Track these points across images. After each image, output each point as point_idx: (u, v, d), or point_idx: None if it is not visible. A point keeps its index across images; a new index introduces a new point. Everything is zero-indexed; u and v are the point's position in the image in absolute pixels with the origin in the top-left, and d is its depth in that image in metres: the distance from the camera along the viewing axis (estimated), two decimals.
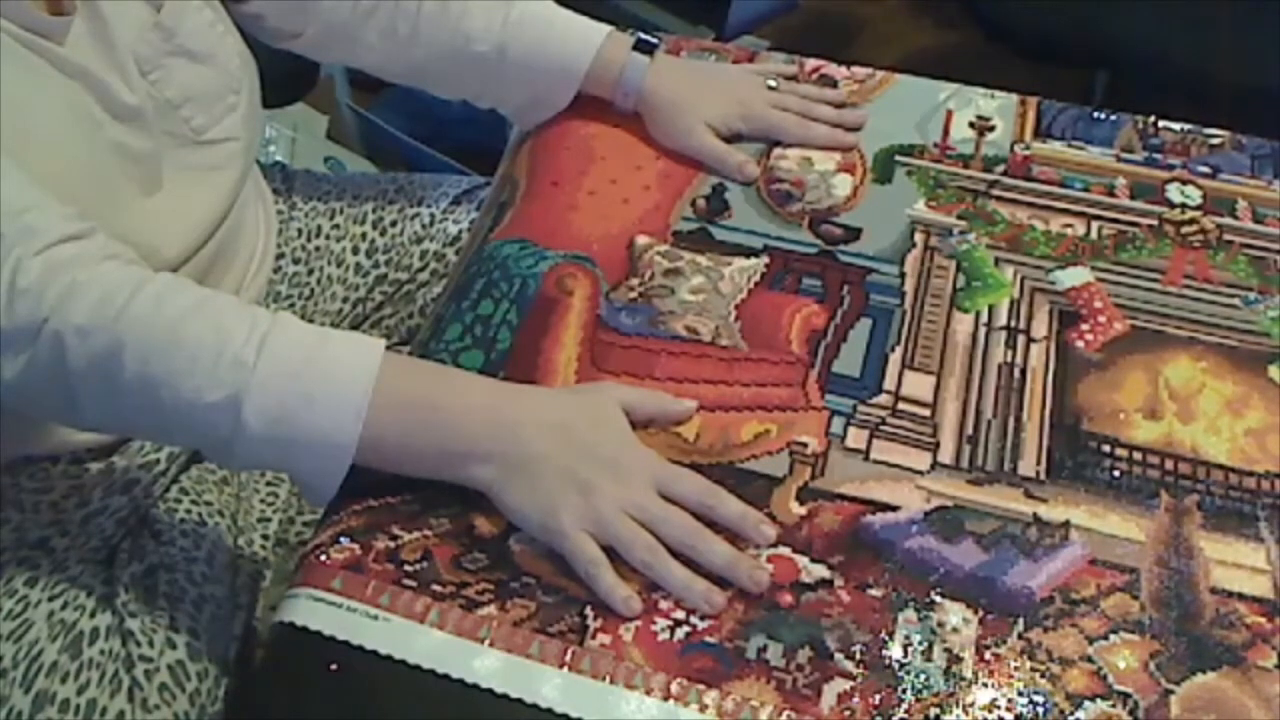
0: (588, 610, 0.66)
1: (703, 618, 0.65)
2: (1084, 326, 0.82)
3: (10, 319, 0.63)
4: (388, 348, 0.68)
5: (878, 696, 0.63)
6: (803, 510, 0.71)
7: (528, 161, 0.94)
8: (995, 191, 0.92)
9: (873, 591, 0.67)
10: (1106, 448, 0.75)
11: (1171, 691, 0.64)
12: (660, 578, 0.66)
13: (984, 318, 0.83)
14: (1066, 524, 0.71)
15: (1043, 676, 0.64)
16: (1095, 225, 0.90)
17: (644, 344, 0.80)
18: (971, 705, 0.63)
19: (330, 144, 1.79)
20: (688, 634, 0.65)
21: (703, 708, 0.62)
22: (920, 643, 0.65)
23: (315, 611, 0.65)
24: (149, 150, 0.78)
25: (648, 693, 0.62)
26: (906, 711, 0.62)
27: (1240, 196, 0.92)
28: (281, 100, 1.78)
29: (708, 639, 0.65)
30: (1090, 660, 0.65)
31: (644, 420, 0.73)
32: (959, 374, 0.79)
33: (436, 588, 0.66)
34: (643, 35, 0.95)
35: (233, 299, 0.68)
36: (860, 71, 1.03)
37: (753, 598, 0.66)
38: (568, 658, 0.64)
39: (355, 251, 1.04)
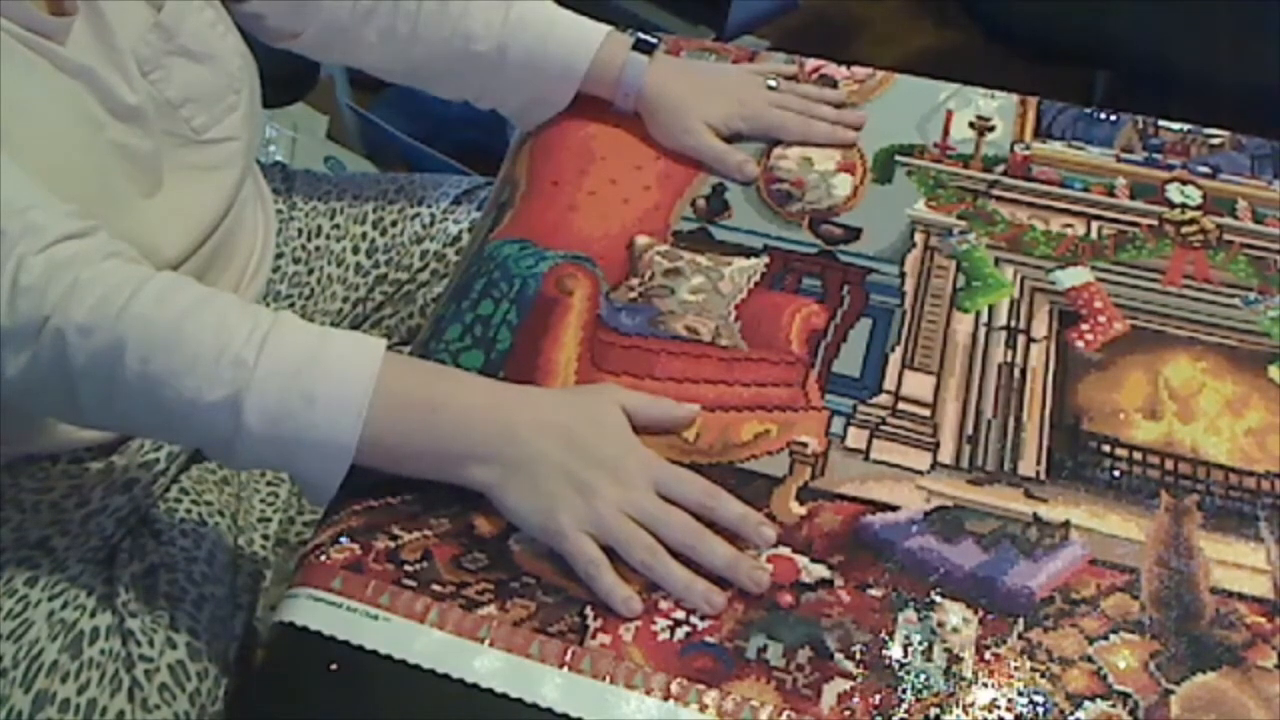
0: (588, 610, 0.66)
1: (703, 618, 0.66)
2: (1084, 326, 0.82)
3: (12, 317, 0.63)
4: (388, 348, 0.68)
5: (878, 696, 0.63)
6: (803, 510, 0.71)
7: (528, 162, 0.94)
8: (995, 191, 0.92)
9: (873, 591, 0.67)
10: (1106, 448, 0.75)
11: (1171, 691, 0.64)
12: (660, 578, 0.66)
13: (984, 318, 0.83)
14: (1066, 524, 0.71)
15: (1043, 676, 0.64)
16: (1095, 225, 0.90)
17: (644, 344, 0.80)
18: (971, 705, 0.63)
19: (330, 144, 1.80)
20: (688, 634, 0.65)
21: (703, 708, 0.62)
22: (920, 643, 0.65)
23: (315, 611, 0.66)
24: (149, 150, 0.78)
25: (648, 693, 0.62)
26: (906, 711, 0.62)
27: (1240, 196, 0.92)
28: (281, 100, 1.78)
29: (708, 639, 0.65)
30: (1090, 660, 0.65)
31: (646, 425, 0.73)
32: (959, 374, 0.79)
33: (436, 588, 0.66)
34: (642, 35, 0.95)
35: (234, 298, 0.68)
36: (860, 71, 1.03)
37: (753, 598, 0.66)
38: (568, 658, 0.64)
39: (355, 251, 1.04)
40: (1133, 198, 0.92)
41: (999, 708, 0.63)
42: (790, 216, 0.90)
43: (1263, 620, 0.67)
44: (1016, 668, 0.64)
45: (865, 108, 0.99)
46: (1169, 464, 0.74)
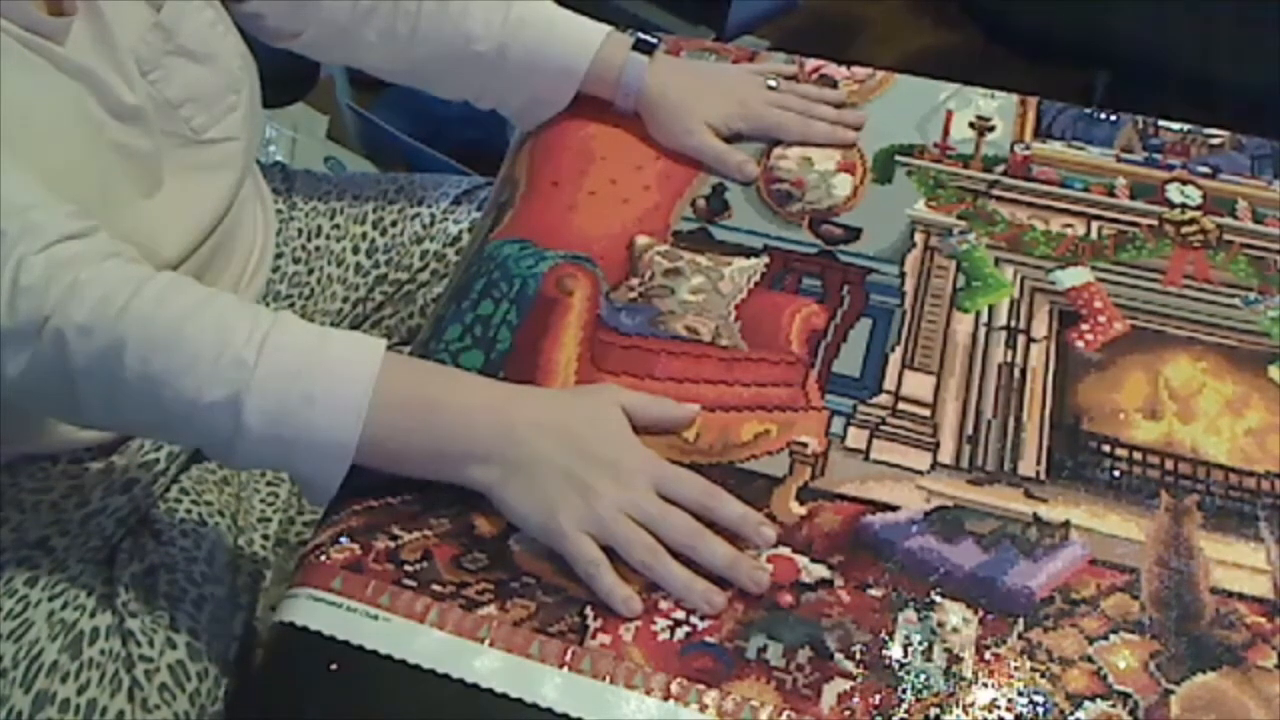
0: (588, 610, 0.66)
1: (703, 618, 0.65)
2: (1084, 326, 0.82)
3: (12, 317, 0.63)
4: (388, 348, 0.68)
5: (878, 696, 0.63)
6: (803, 510, 0.71)
7: (528, 162, 0.94)
8: (995, 191, 0.92)
9: (873, 591, 0.67)
10: (1106, 448, 0.75)
11: (1171, 691, 0.64)
12: (660, 578, 0.66)
13: (984, 318, 0.83)
14: (1066, 524, 0.71)
15: (1043, 676, 0.64)
16: (1095, 225, 0.90)
17: (644, 344, 0.80)
18: (971, 705, 0.63)
19: (330, 144, 1.80)
20: (688, 634, 0.65)
21: (703, 708, 0.62)
22: (920, 643, 0.65)
23: (315, 611, 0.65)
24: (149, 150, 0.78)
25: (648, 693, 0.62)
26: (906, 711, 0.62)
27: (1240, 196, 0.92)
28: (281, 100, 1.78)
29: (708, 639, 0.65)
30: (1090, 660, 0.65)
31: (646, 425, 0.73)
32: (959, 374, 0.79)
33: (436, 588, 0.66)
34: (642, 35, 0.95)
35: (234, 298, 0.68)
36: (860, 71, 1.03)
37: (753, 598, 0.66)
38: (568, 658, 0.64)
39: (355, 251, 1.04)
40: (1133, 198, 0.92)
41: (999, 708, 0.63)
42: (790, 216, 0.90)
43: (1263, 620, 0.67)
44: (1016, 668, 0.64)
45: (865, 108, 0.99)
46: (1169, 464, 0.74)
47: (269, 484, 0.94)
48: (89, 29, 0.74)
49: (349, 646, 0.64)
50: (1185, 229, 0.89)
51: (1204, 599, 0.68)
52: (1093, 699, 0.63)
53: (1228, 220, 0.90)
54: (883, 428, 0.76)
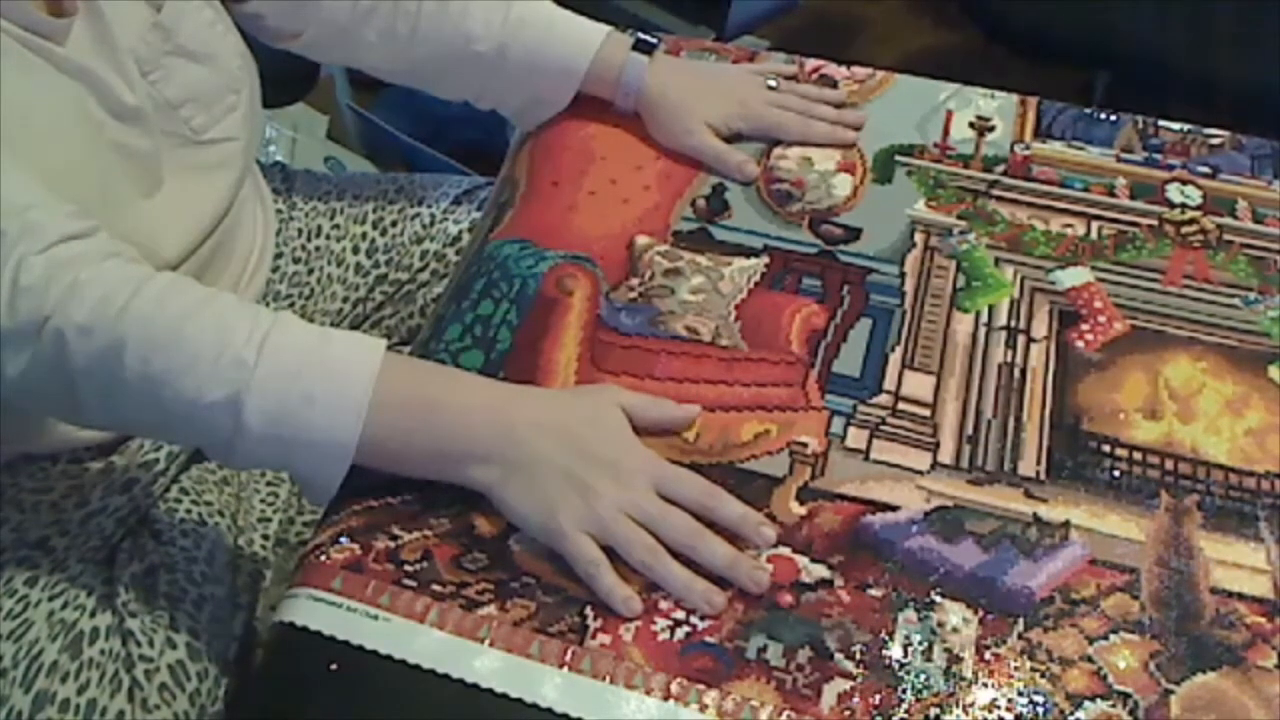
0: (588, 610, 0.66)
1: (703, 618, 0.66)
2: (1084, 326, 0.82)
3: (12, 317, 0.63)
4: (388, 348, 0.68)
5: (878, 696, 0.63)
6: (803, 510, 0.71)
7: (528, 162, 0.94)
8: (995, 191, 0.92)
9: (873, 591, 0.67)
10: (1106, 448, 0.75)
11: (1171, 691, 0.64)
12: (660, 578, 0.66)
13: (984, 318, 0.83)
14: (1066, 524, 0.71)
15: (1043, 676, 0.64)
16: (1095, 225, 0.90)
17: (644, 344, 0.80)
18: (971, 705, 0.63)
19: (330, 144, 1.80)
20: (688, 634, 0.65)
21: (703, 708, 0.62)
22: (920, 643, 0.65)
23: (315, 611, 0.66)
24: (149, 150, 0.78)
25: (648, 693, 0.62)
26: (906, 711, 0.62)
27: (1240, 196, 0.92)
28: (281, 100, 1.78)
29: (708, 639, 0.65)
30: (1090, 660, 0.65)
31: (646, 426, 0.73)
32: (959, 374, 0.79)
33: (436, 588, 0.66)
34: (642, 35, 0.95)
35: (234, 298, 0.68)
36: (860, 71, 1.03)
37: (753, 598, 0.66)
38: (568, 658, 0.64)
39: (355, 251, 1.04)
40: (1133, 198, 0.92)
41: (999, 708, 0.63)
42: (790, 216, 0.90)
43: (1263, 620, 0.67)
44: (1016, 668, 0.64)
45: (865, 108, 0.99)
46: (1169, 464, 0.74)
47: (269, 484, 0.94)
48: (89, 29, 0.74)
49: (349, 646, 0.64)
50: (1185, 229, 0.89)
51: (1204, 599, 0.68)
52: (1093, 699, 0.63)
53: (1228, 220, 0.90)
54: (883, 428, 0.76)
